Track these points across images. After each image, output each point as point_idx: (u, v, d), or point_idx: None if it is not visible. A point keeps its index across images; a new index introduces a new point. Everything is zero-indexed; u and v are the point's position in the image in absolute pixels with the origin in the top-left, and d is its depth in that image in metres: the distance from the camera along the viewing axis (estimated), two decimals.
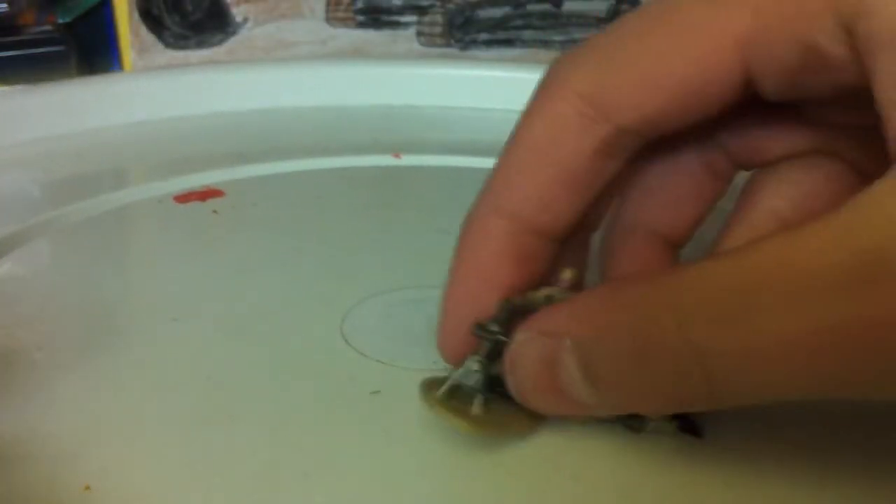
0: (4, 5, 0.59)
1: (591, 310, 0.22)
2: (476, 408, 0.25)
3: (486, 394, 0.25)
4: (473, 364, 0.25)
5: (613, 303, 0.22)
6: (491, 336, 0.25)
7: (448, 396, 0.25)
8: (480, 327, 0.25)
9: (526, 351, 0.23)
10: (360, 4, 0.64)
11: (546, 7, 0.65)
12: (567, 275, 0.26)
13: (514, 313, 0.25)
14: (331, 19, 0.64)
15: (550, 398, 0.23)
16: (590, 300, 0.23)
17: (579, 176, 0.24)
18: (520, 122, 0.25)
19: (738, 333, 0.19)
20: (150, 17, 0.61)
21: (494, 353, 0.25)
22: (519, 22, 0.66)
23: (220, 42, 0.63)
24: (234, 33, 0.63)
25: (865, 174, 0.25)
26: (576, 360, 0.22)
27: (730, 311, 0.19)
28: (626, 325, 0.21)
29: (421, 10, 0.65)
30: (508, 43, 0.66)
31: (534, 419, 0.26)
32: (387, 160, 0.50)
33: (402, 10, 0.65)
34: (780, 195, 0.26)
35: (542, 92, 0.24)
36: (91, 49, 0.62)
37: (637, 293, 0.21)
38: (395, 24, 0.65)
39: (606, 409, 0.23)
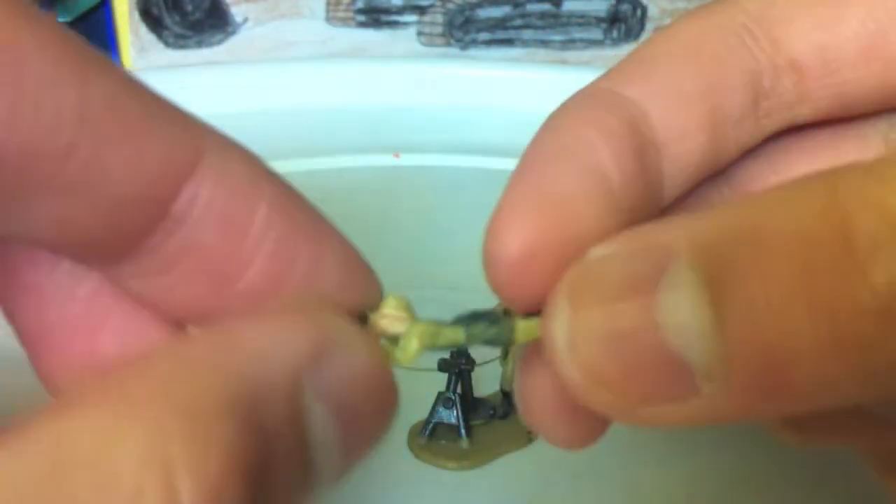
0: None
1: (725, 212, 0.13)
2: (463, 442, 0.25)
3: (467, 424, 0.25)
4: (446, 401, 0.25)
5: (767, 198, 0.13)
6: (454, 366, 0.25)
7: (433, 437, 0.25)
8: (443, 360, 0.25)
9: (592, 281, 0.14)
10: (360, 4, 0.64)
11: (546, 7, 0.65)
12: None
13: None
14: (331, 19, 0.64)
15: (632, 387, 0.13)
16: (718, 208, 0.14)
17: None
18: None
19: None
20: (150, 16, 0.61)
21: (465, 383, 0.26)
22: (519, 22, 0.66)
23: (220, 42, 0.63)
24: (234, 33, 0.63)
25: None
26: (696, 278, 0.12)
27: None
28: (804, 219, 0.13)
29: (421, 10, 0.65)
30: (508, 43, 0.66)
31: (528, 431, 0.26)
32: (387, 160, 0.50)
33: (402, 10, 0.65)
34: None
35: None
36: None
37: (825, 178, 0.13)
38: (395, 24, 0.65)
39: (730, 410, 0.13)
